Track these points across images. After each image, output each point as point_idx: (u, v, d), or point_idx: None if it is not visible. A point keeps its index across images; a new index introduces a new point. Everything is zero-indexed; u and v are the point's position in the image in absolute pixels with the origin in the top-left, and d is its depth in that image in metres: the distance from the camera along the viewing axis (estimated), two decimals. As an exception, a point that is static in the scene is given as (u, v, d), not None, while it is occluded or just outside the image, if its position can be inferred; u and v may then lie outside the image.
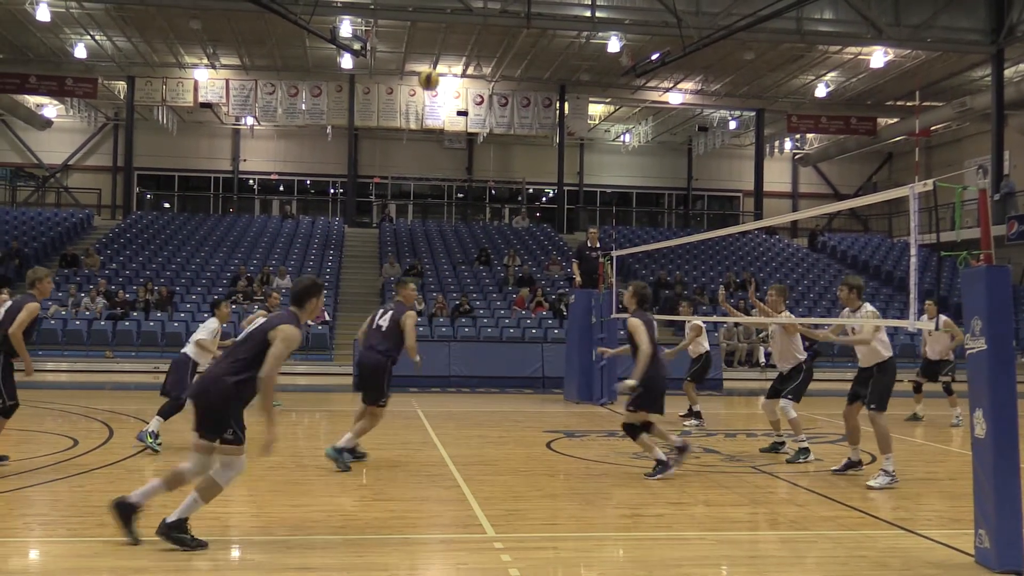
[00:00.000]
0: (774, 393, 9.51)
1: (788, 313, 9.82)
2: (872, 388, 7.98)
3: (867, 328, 7.95)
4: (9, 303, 8.17)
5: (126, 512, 5.48)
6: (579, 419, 12.72)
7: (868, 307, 8.31)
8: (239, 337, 5.69)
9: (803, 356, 9.47)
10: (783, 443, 9.76)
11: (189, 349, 9.59)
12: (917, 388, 13.43)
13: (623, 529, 6.35)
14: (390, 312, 8.66)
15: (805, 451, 9.20)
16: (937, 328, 10.86)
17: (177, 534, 5.44)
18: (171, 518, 5.47)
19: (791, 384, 9.34)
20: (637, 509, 6.88)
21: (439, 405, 13.78)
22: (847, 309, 8.37)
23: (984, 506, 5.32)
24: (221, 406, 5.47)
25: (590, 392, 15.01)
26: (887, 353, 8.07)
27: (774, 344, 9.58)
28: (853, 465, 8.48)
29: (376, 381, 8.50)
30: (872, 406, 7.95)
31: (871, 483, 7.81)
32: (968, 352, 5.46)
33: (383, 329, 8.54)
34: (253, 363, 5.50)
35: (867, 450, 9.95)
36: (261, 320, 6.10)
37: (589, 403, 14.78)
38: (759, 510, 6.98)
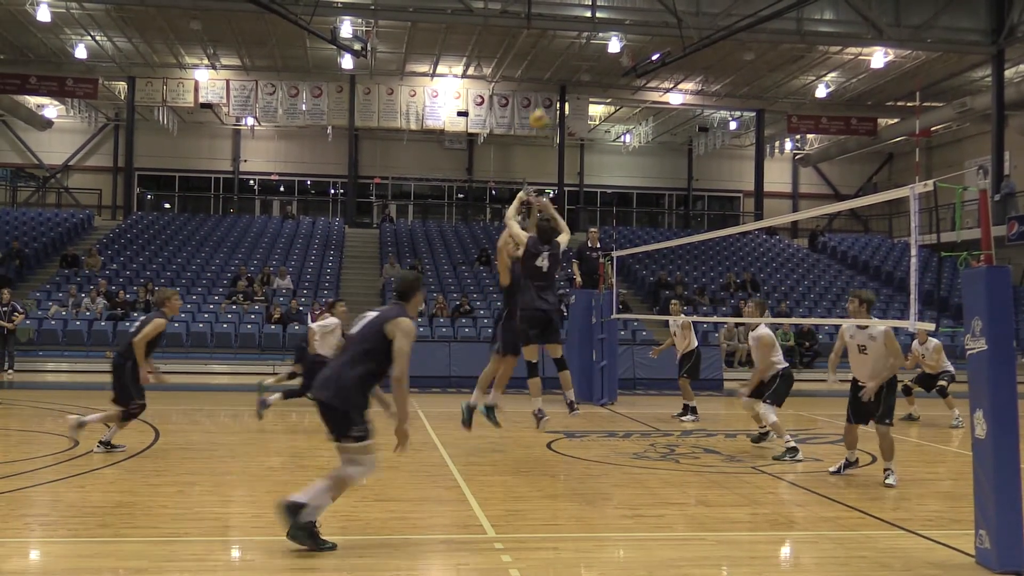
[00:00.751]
0: (756, 393, 9.82)
1: (766, 328, 10.00)
2: (883, 404, 8.00)
3: (892, 347, 7.96)
4: (144, 316, 9.69)
5: (292, 511, 5.48)
6: (579, 419, 12.68)
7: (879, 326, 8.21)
8: (352, 331, 5.76)
9: (782, 365, 9.80)
10: (768, 432, 10.01)
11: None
12: (907, 391, 13.43)
13: (623, 529, 6.35)
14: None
15: (793, 450, 9.29)
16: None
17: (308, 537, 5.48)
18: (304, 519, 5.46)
19: (770, 388, 9.63)
20: (637, 509, 6.88)
21: (439, 405, 13.77)
22: (854, 322, 8.23)
23: (984, 506, 5.32)
24: (344, 402, 5.50)
25: (590, 392, 14.99)
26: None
27: (754, 356, 9.91)
28: (851, 464, 8.52)
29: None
30: (887, 421, 8.01)
31: (889, 482, 7.88)
32: (968, 352, 5.46)
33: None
34: (371, 356, 5.53)
35: (865, 451, 9.96)
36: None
37: (589, 403, 14.77)
38: (759, 510, 6.98)
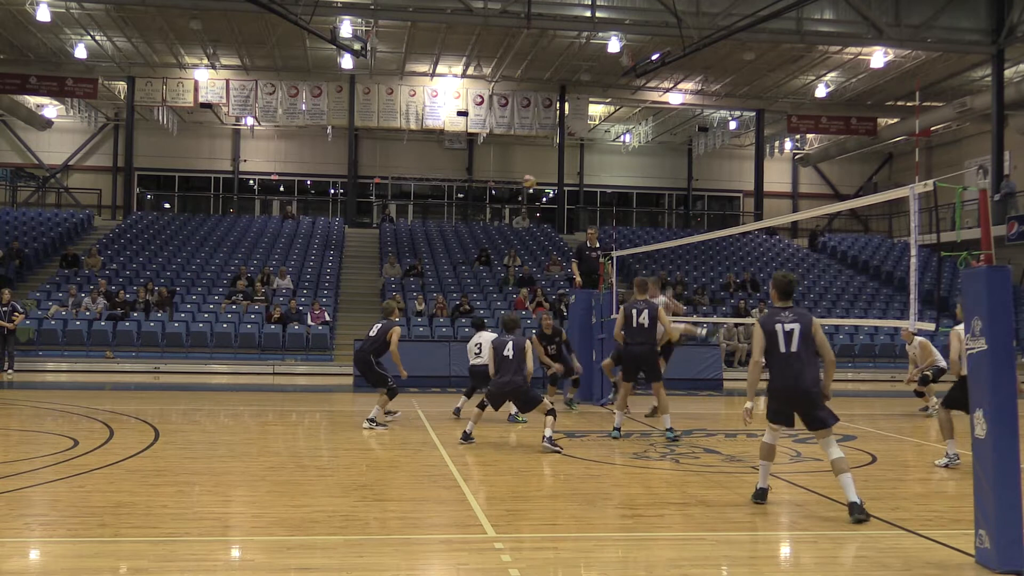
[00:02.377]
0: None
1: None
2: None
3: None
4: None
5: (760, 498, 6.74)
6: (579, 419, 12.71)
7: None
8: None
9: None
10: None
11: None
12: (920, 392, 13.71)
13: (623, 529, 6.35)
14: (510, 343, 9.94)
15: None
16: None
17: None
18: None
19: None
20: (637, 509, 6.88)
21: (439, 405, 13.76)
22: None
23: (984, 506, 5.32)
24: None
25: (590, 392, 15.00)
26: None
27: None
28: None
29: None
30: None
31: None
32: (968, 352, 5.46)
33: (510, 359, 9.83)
34: None
35: (866, 451, 9.97)
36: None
37: (589, 403, 14.77)
38: (759, 510, 6.98)
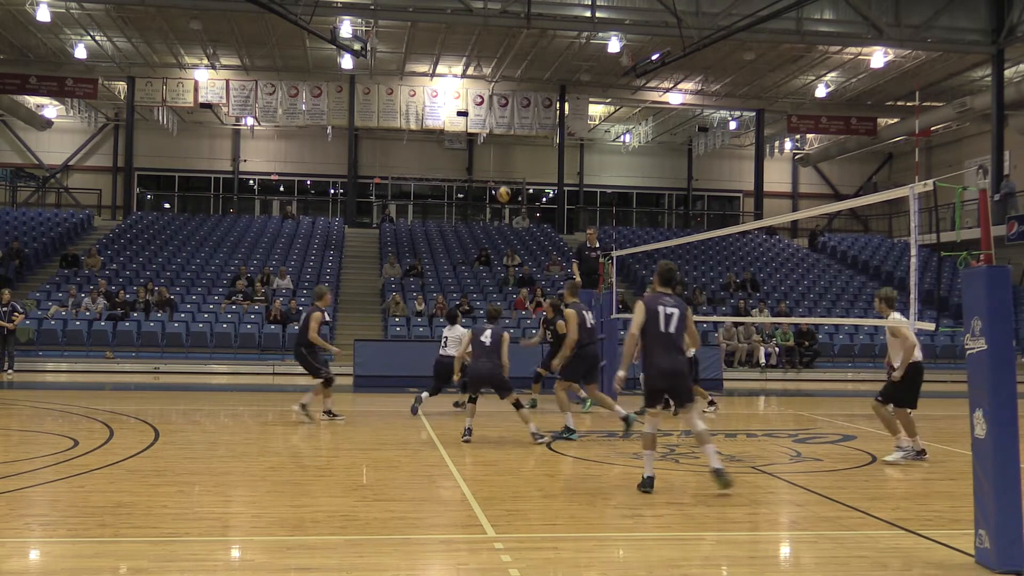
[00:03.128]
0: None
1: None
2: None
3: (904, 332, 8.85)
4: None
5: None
6: (579, 419, 12.71)
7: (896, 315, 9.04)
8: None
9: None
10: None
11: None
12: None
13: (623, 529, 6.35)
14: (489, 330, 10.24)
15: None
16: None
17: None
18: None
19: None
20: (637, 509, 6.88)
21: (439, 405, 13.76)
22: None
23: (984, 506, 5.32)
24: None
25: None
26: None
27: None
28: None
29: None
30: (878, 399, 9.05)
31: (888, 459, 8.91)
32: (968, 352, 5.46)
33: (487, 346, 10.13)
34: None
35: (866, 450, 9.98)
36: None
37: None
38: (759, 510, 6.98)
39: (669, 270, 7.58)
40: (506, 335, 10.28)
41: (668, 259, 28.88)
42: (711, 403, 13.58)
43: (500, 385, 10.22)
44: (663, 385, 7.44)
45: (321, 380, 11.62)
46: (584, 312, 11.20)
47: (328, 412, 11.86)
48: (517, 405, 10.13)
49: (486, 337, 10.17)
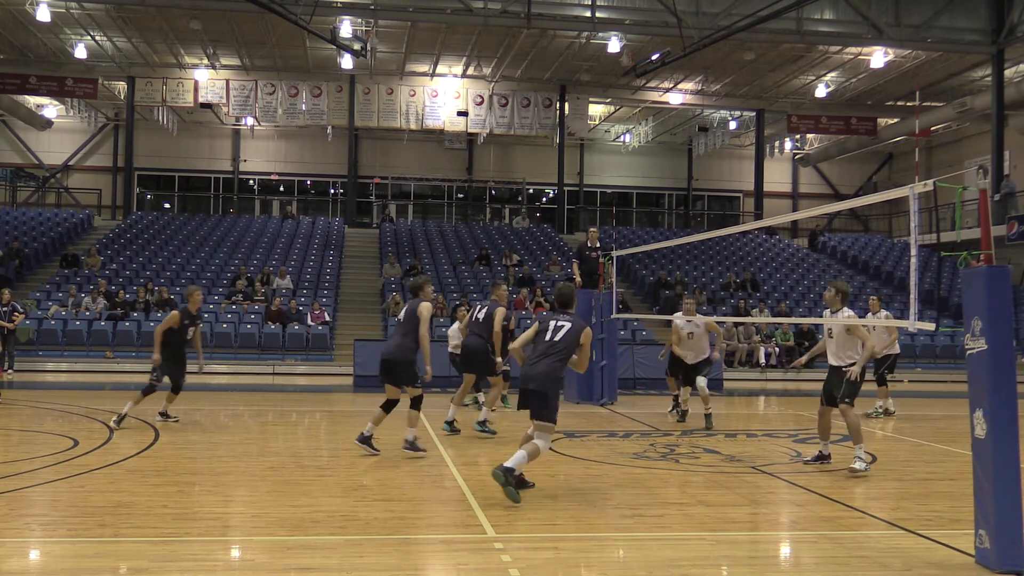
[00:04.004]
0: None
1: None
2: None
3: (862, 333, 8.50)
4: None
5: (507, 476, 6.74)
6: (579, 419, 12.71)
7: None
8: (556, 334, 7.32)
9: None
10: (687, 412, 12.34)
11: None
12: (881, 381, 13.67)
13: (623, 529, 6.35)
14: (486, 308, 10.93)
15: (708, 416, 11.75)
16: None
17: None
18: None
19: (704, 368, 12.00)
20: (637, 509, 6.88)
21: (439, 405, 13.75)
22: (828, 310, 8.74)
23: (984, 506, 5.32)
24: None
25: (590, 392, 15.00)
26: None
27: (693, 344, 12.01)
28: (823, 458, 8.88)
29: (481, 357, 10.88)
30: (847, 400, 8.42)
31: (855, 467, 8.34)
32: (968, 352, 5.46)
33: (480, 320, 10.83)
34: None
35: (868, 451, 9.96)
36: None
37: (589, 403, 14.78)
38: (759, 510, 6.98)
39: (566, 294, 7.78)
40: (498, 311, 10.86)
41: (668, 259, 29.05)
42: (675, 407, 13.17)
43: (482, 367, 11.10)
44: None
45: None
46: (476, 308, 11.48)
47: (165, 415, 11.63)
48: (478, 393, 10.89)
49: (480, 312, 11.00)
